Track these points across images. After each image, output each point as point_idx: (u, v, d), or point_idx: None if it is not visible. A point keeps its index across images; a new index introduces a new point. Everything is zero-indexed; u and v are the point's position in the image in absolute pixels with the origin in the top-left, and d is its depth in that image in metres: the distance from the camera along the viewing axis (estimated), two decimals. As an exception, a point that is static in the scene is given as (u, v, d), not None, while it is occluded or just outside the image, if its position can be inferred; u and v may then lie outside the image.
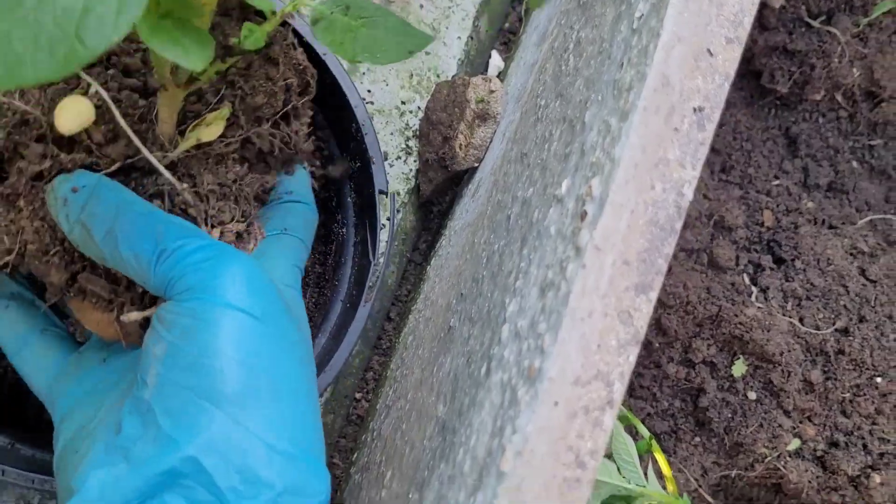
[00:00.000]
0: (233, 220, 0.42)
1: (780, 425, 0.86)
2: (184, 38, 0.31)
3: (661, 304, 0.85)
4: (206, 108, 0.42)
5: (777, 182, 1.00)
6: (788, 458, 0.86)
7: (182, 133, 0.41)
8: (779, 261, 0.93)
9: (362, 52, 0.39)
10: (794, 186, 1.01)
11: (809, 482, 0.86)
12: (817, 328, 0.89)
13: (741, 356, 0.86)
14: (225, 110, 0.42)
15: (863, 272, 0.95)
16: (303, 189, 0.47)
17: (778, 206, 0.98)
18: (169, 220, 0.38)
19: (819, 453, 0.87)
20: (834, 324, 0.90)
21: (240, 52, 0.41)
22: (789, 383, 0.86)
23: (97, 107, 0.40)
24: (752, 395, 0.87)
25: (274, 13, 0.39)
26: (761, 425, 0.86)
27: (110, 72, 0.42)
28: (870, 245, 1.00)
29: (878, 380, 0.89)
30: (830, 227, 0.99)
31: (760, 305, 0.88)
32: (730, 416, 0.86)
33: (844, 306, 0.92)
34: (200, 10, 0.34)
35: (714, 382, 0.87)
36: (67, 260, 0.41)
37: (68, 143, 0.41)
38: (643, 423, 0.87)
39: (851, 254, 0.97)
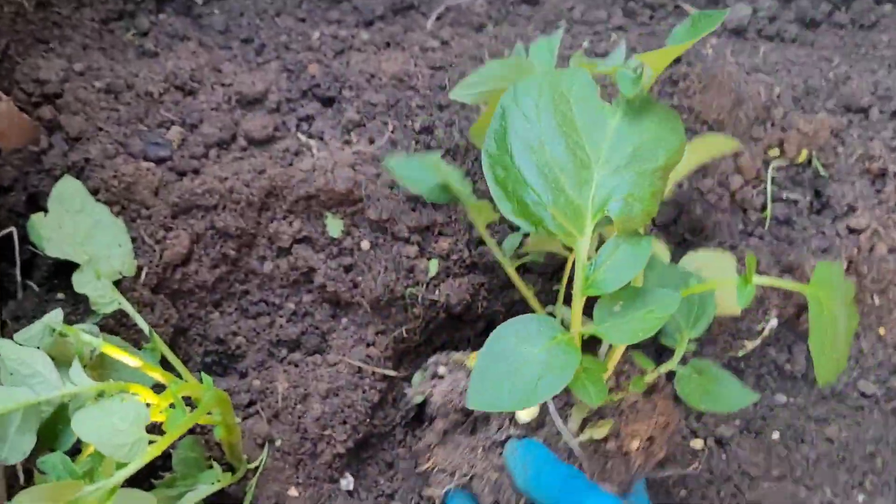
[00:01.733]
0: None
1: (408, 257, 0.76)
2: (589, 385, 0.55)
3: (208, 206, 0.73)
4: (599, 417, 0.62)
5: (319, 33, 0.90)
6: (439, 284, 0.76)
7: (582, 428, 0.62)
8: (327, 101, 0.83)
9: (705, 403, 0.63)
10: (344, 30, 0.92)
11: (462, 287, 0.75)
12: (393, 144, 0.79)
13: (327, 213, 0.75)
14: (609, 423, 0.61)
15: (434, 68, 0.86)
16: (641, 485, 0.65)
17: (325, 54, 0.88)
18: (579, 475, 0.58)
19: (468, 261, 0.77)
20: (413, 125, 0.80)
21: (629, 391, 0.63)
22: (391, 211, 0.75)
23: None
24: (366, 244, 0.76)
25: (655, 369, 0.64)
26: (386, 268, 0.75)
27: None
28: (448, 34, 0.91)
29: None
30: (389, 45, 0.90)
31: (322, 154, 0.77)
32: (356, 277, 0.75)
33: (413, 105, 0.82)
34: (601, 376, 0.57)
35: (319, 255, 0.75)
36: None
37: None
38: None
39: (422, 49, 0.88)
